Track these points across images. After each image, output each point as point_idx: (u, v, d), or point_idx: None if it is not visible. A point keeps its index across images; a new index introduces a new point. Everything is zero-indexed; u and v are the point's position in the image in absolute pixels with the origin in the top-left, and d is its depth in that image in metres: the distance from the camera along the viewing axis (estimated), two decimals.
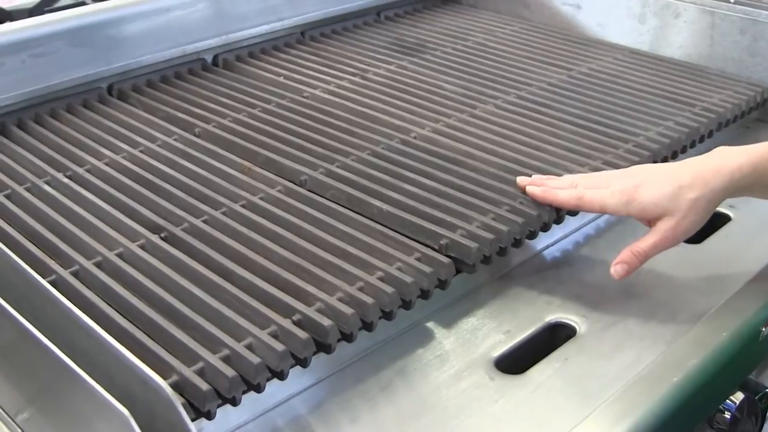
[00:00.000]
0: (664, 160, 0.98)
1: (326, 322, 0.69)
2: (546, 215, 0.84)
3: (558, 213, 0.85)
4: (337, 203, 0.86)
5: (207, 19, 1.22)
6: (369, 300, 0.71)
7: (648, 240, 0.79)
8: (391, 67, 1.21)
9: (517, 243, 0.82)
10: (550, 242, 0.90)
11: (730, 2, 1.20)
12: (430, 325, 0.79)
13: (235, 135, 1.01)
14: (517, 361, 0.75)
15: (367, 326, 0.72)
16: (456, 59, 1.24)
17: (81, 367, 0.59)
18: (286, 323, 0.68)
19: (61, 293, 0.67)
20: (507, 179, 0.89)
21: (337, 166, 0.93)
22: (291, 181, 0.91)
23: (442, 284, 0.77)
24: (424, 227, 0.81)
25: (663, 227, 0.78)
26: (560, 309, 0.80)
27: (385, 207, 0.85)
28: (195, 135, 1.02)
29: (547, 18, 1.40)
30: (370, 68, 1.21)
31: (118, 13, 1.15)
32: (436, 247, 0.79)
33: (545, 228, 0.85)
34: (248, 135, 1.01)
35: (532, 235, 0.84)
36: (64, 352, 0.60)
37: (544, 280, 0.85)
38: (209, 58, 1.23)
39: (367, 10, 1.41)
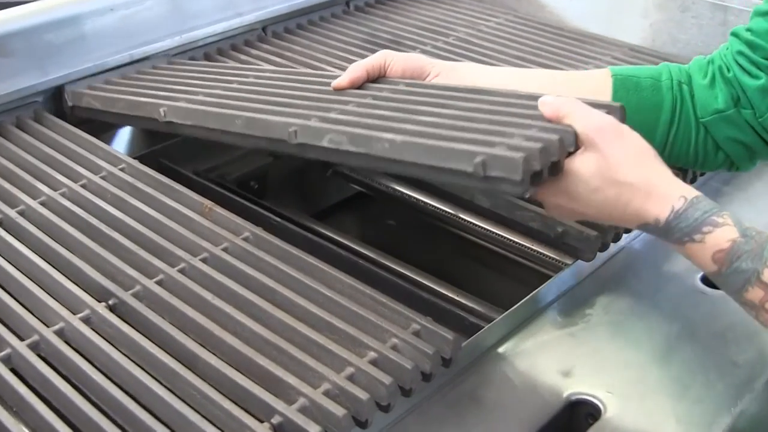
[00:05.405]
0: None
1: (313, 428, 0.57)
2: None
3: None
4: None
5: (157, 18, 1.08)
6: (363, 395, 0.59)
7: None
8: None
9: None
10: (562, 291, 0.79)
11: None
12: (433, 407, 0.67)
13: None
14: None
15: (361, 425, 0.60)
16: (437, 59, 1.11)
17: None
18: (263, 429, 0.57)
19: None
20: None
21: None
22: (260, 226, 0.78)
23: (447, 363, 0.65)
24: (454, 149, 0.63)
25: None
26: (580, 382, 0.69)
27: (399, 138, 0.67)
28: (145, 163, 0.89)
29: (536, 8, 1.27)
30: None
31: (54, 16, 1.00)
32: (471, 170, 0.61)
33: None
34: None
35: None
36: None
37: (558, 343, 0.73)
38: (161, 63, 1.09)
39: (335, 0, 1.27)
